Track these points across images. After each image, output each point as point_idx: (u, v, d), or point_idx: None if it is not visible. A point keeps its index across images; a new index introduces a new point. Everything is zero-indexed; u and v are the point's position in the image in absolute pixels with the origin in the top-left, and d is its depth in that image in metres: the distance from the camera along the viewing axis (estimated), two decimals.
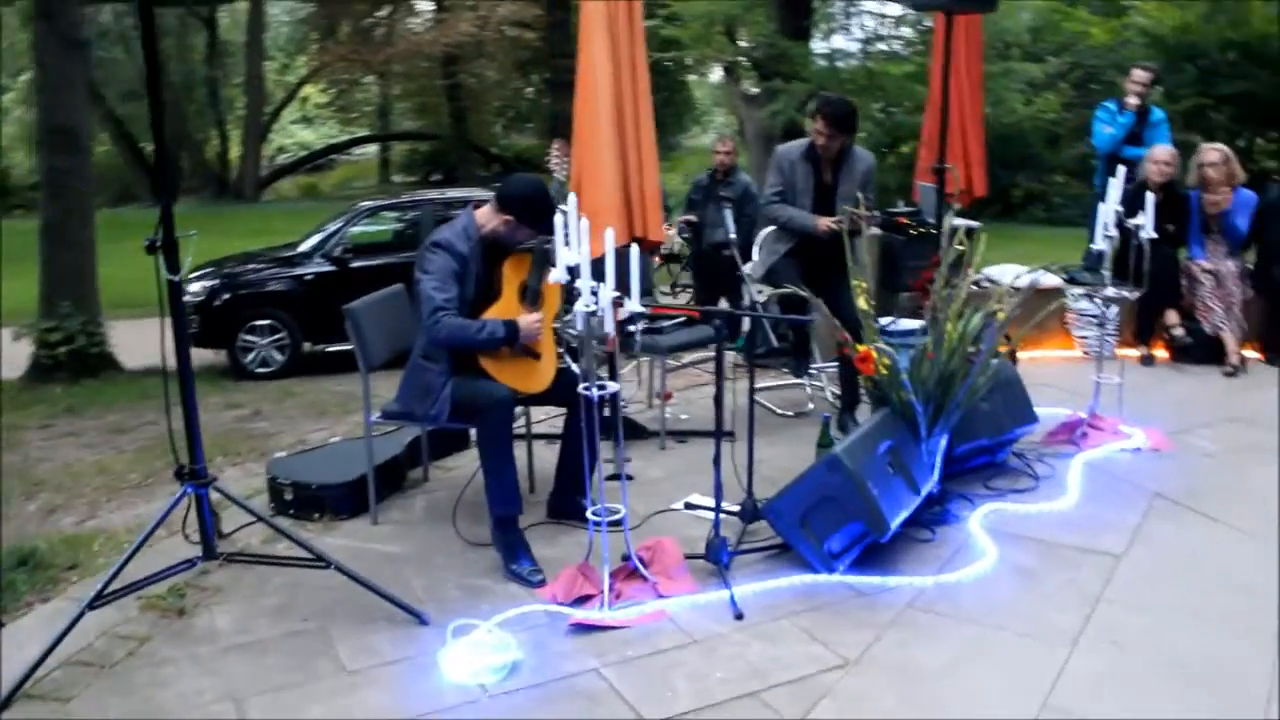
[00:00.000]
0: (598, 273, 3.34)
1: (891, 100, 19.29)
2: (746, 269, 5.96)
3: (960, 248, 4.18)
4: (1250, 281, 6.52)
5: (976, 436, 4.47)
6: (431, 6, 26.91)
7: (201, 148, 28.61)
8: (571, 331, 4.13)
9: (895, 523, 3.70)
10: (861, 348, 4.03)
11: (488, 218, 3.93)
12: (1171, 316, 6.51)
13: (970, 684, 3.07)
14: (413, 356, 3.99)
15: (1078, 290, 6.53)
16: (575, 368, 4.21)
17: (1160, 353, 6.57)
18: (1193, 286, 6.51)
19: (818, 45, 20.94)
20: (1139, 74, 7.37)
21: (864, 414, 5.20)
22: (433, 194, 11.71)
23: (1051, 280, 6.35)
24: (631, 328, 5.22)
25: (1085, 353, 6.64)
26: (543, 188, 3.99)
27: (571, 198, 3.39)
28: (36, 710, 3.04)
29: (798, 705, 2.96)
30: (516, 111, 30.71)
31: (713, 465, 3.79)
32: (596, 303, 3.30)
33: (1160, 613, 3.48)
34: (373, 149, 33.95)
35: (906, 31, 21.45)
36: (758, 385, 6.10)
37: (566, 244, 3.37)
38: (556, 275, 3.43)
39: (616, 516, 3.53)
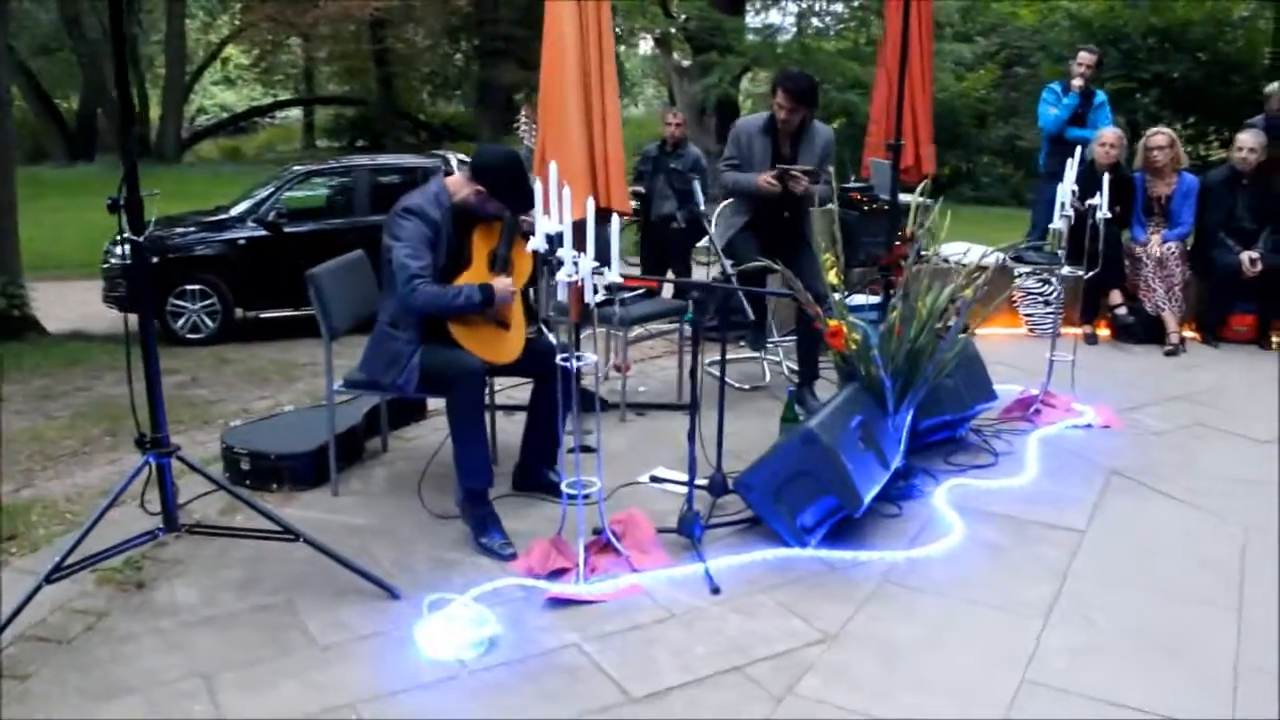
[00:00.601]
0: (575, 242, 3.28)
1: (825, 76, 19.38)
2: (703, 242, 5.94)
3: (922, 226, 4.20)
4: (1189, 263, 6.67)
5: (940, 412, 4.51)
6: None
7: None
8: (554, 302, 4.06)
9: (868, 497, 3.72)
10: (833, 322, 4.02)
11: (459, 186, 3.84)
12: (1115, 296, 6.64)
13: (950, 657, 3.10)
14: (379, 324, 3.89)
15: (1025, 269, 6.62)
16: (552, 338, 4.14)
17: (1103, 331, 6.69)
18: (1135, 267, 6.64)
19: (752, 19, 20.99)
20: (1085, 56, 7.47)
21: (820, 388, 5.24)
22: (365, 160, 11.46)
23: (966, 252, 6.41)
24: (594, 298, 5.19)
25: (1030, 330, 6.75)
26: (517, 161, 3.90)
27: (553, 165, 3.31)
28: None
29: (782, 679, 2.95)
30: (445, 78, 30.25)
31: (686, 440, 3.76)
32: (577, 272, 3.24)
33: (1126, 587, 3.54)
34: (296, 112, 33.17)
35: (838, 8, 21.59)
36: (713, 359, 6.11)
37: (546, 212, 3.30)
38: (535, 244, 3.36)
39: (591, 490, 3.48)
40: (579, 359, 3.35)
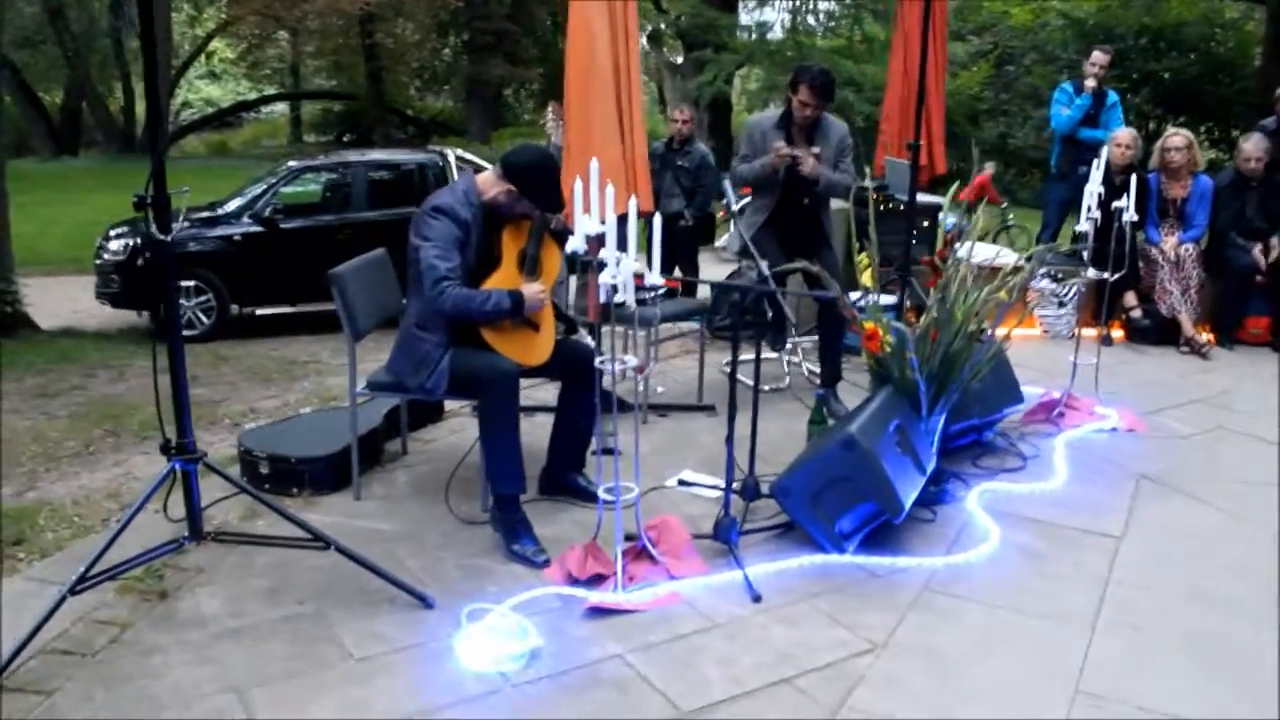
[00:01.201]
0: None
1: None
2: (721, 241, 5.86)
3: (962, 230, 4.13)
4: (1203, 265, 6.64)
5: (969, 415, 4.46)
6: None
7: (105, 101, 27.34)
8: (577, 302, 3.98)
9: (909, 503, 3.65)
10: (868, 325, 3.96)
11: (489, 185, 3.74)
12: (1130, 298, 6.61)
13: (1000, 668, 3.03)
14: (406, 325, 3.79)
15: (1040, 270, 6.57)
16: (589, 339, 4.06)
17: (1117, 333, 6.65)
18: (1151, 269, 6.61)
19: (744, 17, 20.92)
20: (1099, 56, 7.43)
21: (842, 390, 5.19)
22: (362, 155, 11.32)
23: (998, 255, 6.36)
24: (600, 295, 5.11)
25: (1045, 331, 6.70)
26: (550, 161, 3.82)
27: (594, 163, 3.22)
28: (17, 704, 2.80)
29: (833, 692, 2.88)
30: (433, 73, 30.08)
31: (713, 442, 3.69)
32: (619, 274, 3.16)
33: (1168, 594, 3.49)
34: (282, 107, 32.93)
35: (830, 6, 21.54)
36: (729, 360, 6.04)
37: (586, 211, 3.21)
38: (573, 244, 3.28)
39: (630, 496, 3.41)
40: (621, 363, 3.26)
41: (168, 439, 3.25)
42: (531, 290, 3.69)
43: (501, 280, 3.71)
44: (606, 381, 3.51)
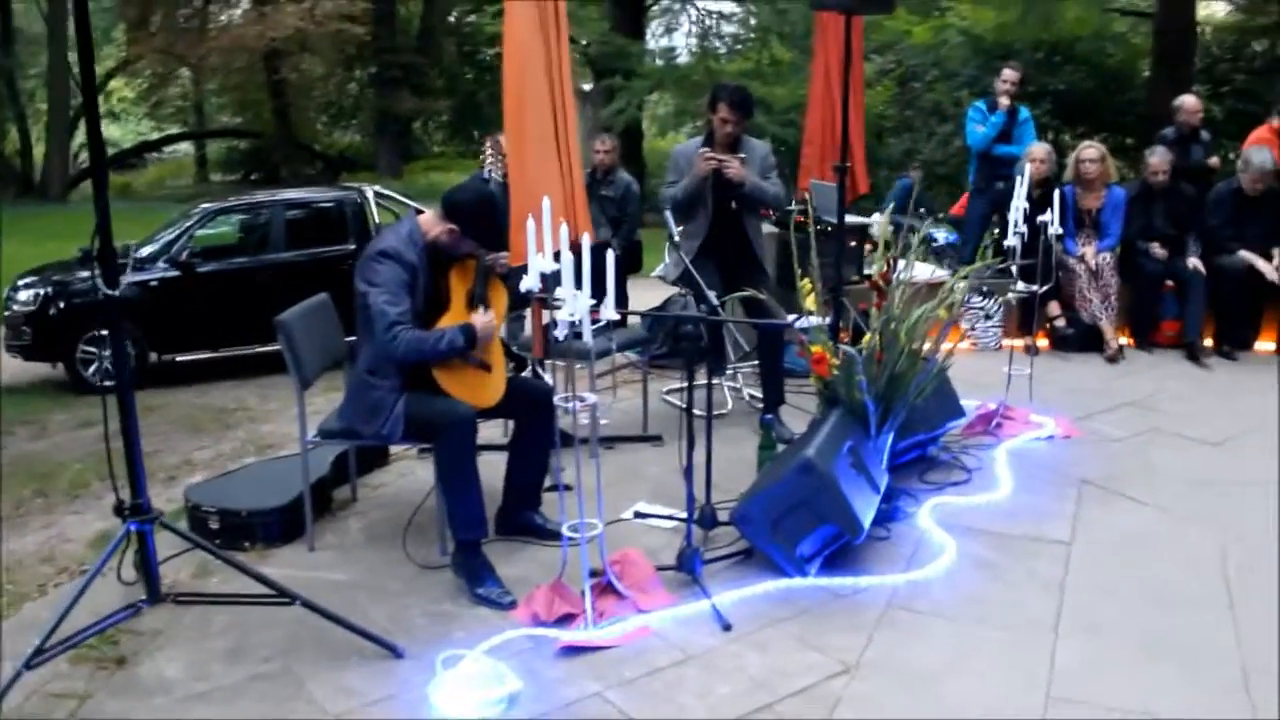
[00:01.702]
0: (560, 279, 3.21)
1: None
2: (658, 271, 5.89)
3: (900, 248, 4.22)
4: (1118, 271, 6.86)
5: (914, 432, 4.54)
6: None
7: (0, 144, 26.48)
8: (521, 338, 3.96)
9: (867, 523, 3.70)
10: (815, 348, 4.01)
11: (431, 225, 3.72)
12: (1054, 308, 6.79)
13: (973, 681, 3.09)
14: (357, 372, 3.74)
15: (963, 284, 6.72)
16: (547, 377, 4.04)
17: (1042, 342, 6.83)
18: (1070, 278, 6.81)
19: (652, 43, 21.14)
20: (1009, 74, 7.64)
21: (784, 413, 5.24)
22: (280, 194, 11.11)
23: (933, 274, 6.50)
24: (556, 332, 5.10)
25: (973, 344, 6.85)
26: (492, 200, 3.81)
27: (546, 201, 3.22)
28: None
29: (814, 715, 2.92)
30: (340, 108, 29.75)
31: (661, 472, 3.70)
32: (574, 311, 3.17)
33: (1123, 596, 3.59)
34: (186, 146, 32.23)
35: (733, 28, 21.89)
36: (668, 387, 6.07)
37: (539, 250, 3.22)
38: (528, 283, 3.27)
39: (595, 533, 3.40)
40: (581, 400, 3.26)
41: (121, 500, 3.16)
42: (482, 322, 3.67)
43: (452, 321, 3.68)
44: (566, 419, 3.50)
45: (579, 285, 3.16)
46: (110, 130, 33.06)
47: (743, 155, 5.03)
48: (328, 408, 4.23)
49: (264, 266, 9.55)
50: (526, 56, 4.27)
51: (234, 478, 4.54)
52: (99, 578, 3.27)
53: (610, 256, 3.26)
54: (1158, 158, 6.88)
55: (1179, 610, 3.49)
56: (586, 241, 3.18)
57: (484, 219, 3.70)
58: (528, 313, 5.25)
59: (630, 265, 7.61)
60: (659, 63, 19.62)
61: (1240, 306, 6.74)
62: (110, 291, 3.00)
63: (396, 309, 3.52)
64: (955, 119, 17.84)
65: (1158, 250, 6.80)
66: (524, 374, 4.12)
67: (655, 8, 21.52)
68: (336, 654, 3.23)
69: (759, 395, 5.51)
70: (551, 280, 3.21)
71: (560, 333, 3.19)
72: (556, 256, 3.20)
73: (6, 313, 9.45)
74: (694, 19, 20.53)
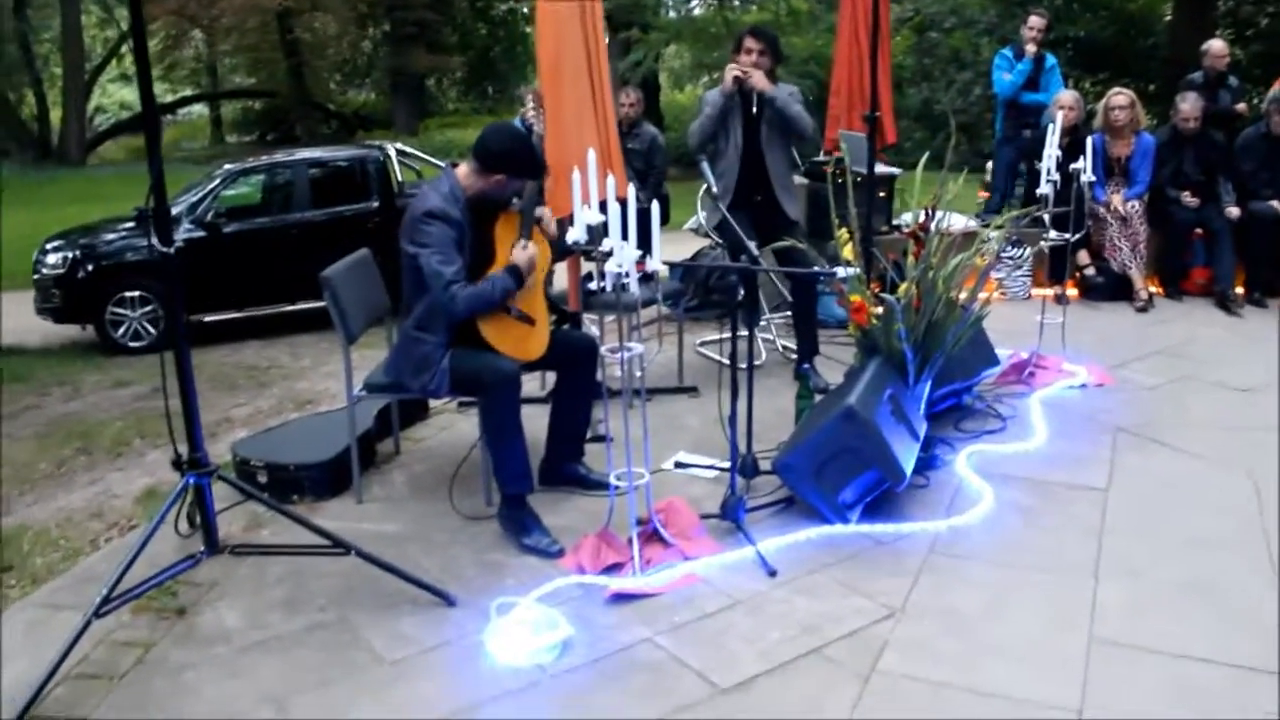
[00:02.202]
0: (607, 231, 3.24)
1: None
2: (690, 223, 5.90)
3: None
4: (1147, 219, 6.84)
5: (950, 380, 4.57)
6: None
7: (16, 109, 26.49)
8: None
9: (909, 469, 3.74)
10: (854, 298, 4.04)
11: (472, 178, 3.73)
12: (1083, 256, 6.79)
13: (1016, 623, 3.14)
14: (405, 327, 3.77)
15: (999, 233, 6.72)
16: (594, 330, 4.08)
17: (1071, 291, 6.83)
18: (1100, 227, 6.79)
19: None
20: (1035, 20, 7.58)
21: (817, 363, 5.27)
22: (302, 154, 11.12)
23: (967, 223, 6.49)
24: (591, 284, 5.13)
25: (1003, 293, 6.86)
26: (522, 135, 3.82)
27: (591, 153, 3.24)
28: None
29: (862, 658, 2.97)
30: (354, 66, 29.64)
31: (719, 424, 3.75)
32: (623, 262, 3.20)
33: (1160, 540, 3.63)
34: (201, 108, 32.22)
35: None
36: (703, 339, 6.11)
37: (586, 203, 3.24)
38: (575, 235, 3.31)
39: (642, 481, 3.46)
40: (629, 350, 3.30)
41: (179, 453, 3.22)
42: (524, 256, 3.68)
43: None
44: (614, 371, 3.54)
45: (625, 237, 3.19)
46: (124, 93, 33.06)
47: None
48: (361, 363, 4.28)
49: (288, 226, 9.61)
50: (560, 10, 4.26)
51: (279, 432, 4.61)
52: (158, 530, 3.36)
53: (655, 208, 3.28)
54: (1189, 104, 6.84)
55: (1215, 554, 3.53)
56: (632, 193, 3.20)
57: (524, 157, 3.71)
58: (559, 267, 5.28)
59: (659, 218, 7.62)
60: (674, 14, 19.48)
61: (1271, 253, 6.70)
62: (166, 249, 3.03)
63: (451, 268, 3.54)
64: (975, 66, 17.71)
65: (1189, 199, 6.77)
66: (565, 326, 4.14)
67: None
68: (390, 603, 3.30)
69: (792, 346, 5.54)
70: (598, 232, 3.23)
71: (608, 284, 3.22)
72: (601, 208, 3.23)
73: (35, 276, 9.54)
74: None
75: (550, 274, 5.55)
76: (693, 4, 21.44)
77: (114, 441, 5.73)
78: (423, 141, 18.94)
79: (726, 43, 17.35)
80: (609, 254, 3.17)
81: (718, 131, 5.07)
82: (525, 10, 28.84)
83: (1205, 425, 4.67)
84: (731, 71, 4.95)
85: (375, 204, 9.44)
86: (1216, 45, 7.78)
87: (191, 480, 3.19)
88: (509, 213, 3.80)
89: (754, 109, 5.01)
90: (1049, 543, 3.63)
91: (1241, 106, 7.80)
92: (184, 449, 3.26)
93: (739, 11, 18.95)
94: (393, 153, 10.16)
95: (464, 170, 3.78)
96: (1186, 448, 4.42)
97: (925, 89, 19.51)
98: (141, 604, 3.32)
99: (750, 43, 4.99)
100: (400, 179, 9.69)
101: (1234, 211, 6.66)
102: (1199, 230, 6.82)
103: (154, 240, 3.02)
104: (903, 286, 4.16)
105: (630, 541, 3.44)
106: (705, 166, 4.22)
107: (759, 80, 4.93)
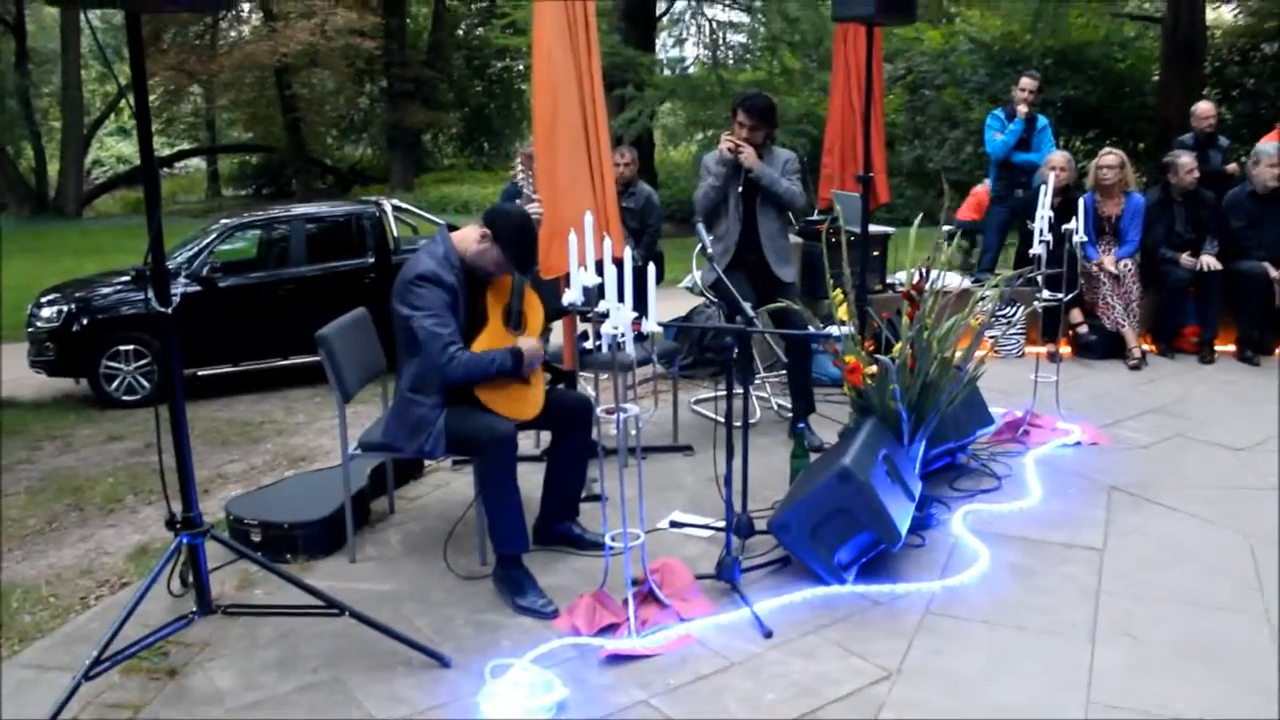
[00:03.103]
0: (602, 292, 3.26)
1: None
2: (685, 282, 5.94)
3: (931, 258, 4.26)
4: (1139, 278, 6.90)
5: (945, 440, 4.58)
6: (260, 16, 25.94)
7: (15, 162, 26.65)
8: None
9: (904, 530, 3.74)
10: (849, 358, 4.06)
11: (469, 245, 3.76)
12: (1076, 315, 6.83)
13: (1014, 686, 3.12)
14: (399, 390, 3.79)
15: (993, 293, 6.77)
16: (590, 390, 4.09)
17: (1065, 349, 6.86)
18: (1093, 286, 6.84)
19: (662, 54, 21.23)
20: (1027, 82, 7.69)
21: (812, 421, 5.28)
22: (296, 209, 11.18)
23: (961, 283, 6.53)
24: (586, 344, 5.15)
25: (996, 351, 6.89)
26: (532, 223, 3.87)
27: (588, 216, 3.28)
28: None
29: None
30: (351, 121, 29.92)
31: (714, 484, 3.75)
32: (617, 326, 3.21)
33: (1157, 601, 3.62)
34: (198, 161, 32.44)
35: (741, 38, 22.00)
36: (698, 397, 6.12)
37: (582, 266, 3.27)
38: (571, 297, 3.33)
39: (637, 542, 3.45)
40: (625, 411, 3.31)
41: (173, 513, 3.21)
42: (529, 346, 3.73)
43: (490, 338, 3.74)
44: (610, 430, 3.55)
45: (621, 298, 3.21)
46: (121, 146, 33.30)
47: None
48: (356, 420, 4.28)
49: (284, 281, 9.63)
50: (557, 67, 4.31)
51: (273, 490, 4.59)
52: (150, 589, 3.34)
53: (650, 269, 3.31)
54: (1187, 158, 6.94)
55: (1213, 614, 3.52)
56: (629, 255, 3.23)
57: (524, 241, 3.75)
58: (554, 325, 5.31)
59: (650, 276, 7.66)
60: (668, 73, 19.70)
61: (1262, 312, 6.76)
62: (163, 309, 3.04)
63: (447, 330, 3.56)
64: (966, 125, 17.93)
65: (1188, 260, 6.82)
66: (560, 386, 4.15)
67: (665, 19, 21.61)
68: (384, 664, 3.27)
69: (786, 405, 5.56)
70: (594, 293, 3.26)
71: (604, 344, 3.24)
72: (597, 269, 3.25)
73: (30, 329, 9.53)
74: (702, 30, 20.62)
75: (546, 332, 5.58)
76: (687, 63, 21.73)
77: (105, 498, 5.69)
78: (418, 197, 19.08)
79: (721, 101, 17.61)
80: (605, 315, 3.18)
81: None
82: (521, 68, 29.23)
83: (1200, 484, 4.67)
84: (724, 145, 5.04)
85: (371, 259, 9.48)
86: (1203, 107, 7.90)
87: (185, 540, 3.17)
88: (500, 279, 3.83)
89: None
90: (1046, 603, 3.62)
91: (1232, 167, 7.90)
92: (178, 508, 3.25)
93: (733, 70, 19.16)
94: (389, 208, 10.21)
95: (462, 235, 3.81)
96: (1181, 507, 4.42)
97: (917, 146, 19.74)
98: (132, 664, 3.29)
99: (742, 116, 5.08)
100: (396, 234, 9.74)
101: (1206, 260, 6.72)
102: (1193, 289, 6.88)
103: (152, 300, 3.03)
104: (897, 346, 4.18)
105: (626, 602, 3.42)
106: (701, 228, 4.26)
107: (749, 158, 5.03)
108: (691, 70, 20.91)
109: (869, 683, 3.14)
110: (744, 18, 21.31)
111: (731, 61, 20.69)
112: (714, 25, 21.02)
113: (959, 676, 3.17)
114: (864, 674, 3.18)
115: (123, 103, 28.15)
